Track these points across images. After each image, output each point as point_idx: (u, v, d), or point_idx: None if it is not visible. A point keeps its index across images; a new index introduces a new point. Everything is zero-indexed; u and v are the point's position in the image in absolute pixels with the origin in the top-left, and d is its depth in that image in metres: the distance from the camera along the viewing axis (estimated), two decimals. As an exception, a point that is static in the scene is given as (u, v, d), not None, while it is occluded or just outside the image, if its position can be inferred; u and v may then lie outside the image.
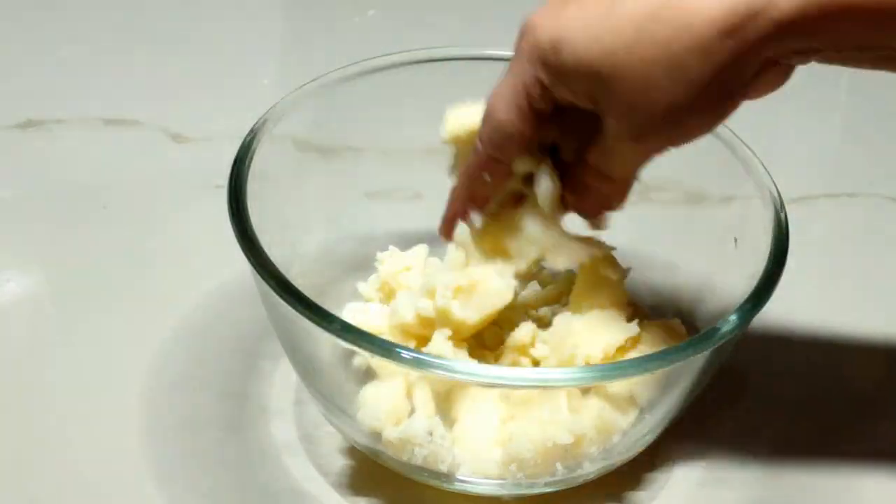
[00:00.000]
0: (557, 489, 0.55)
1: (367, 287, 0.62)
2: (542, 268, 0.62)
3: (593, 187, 0.54)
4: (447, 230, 0.57)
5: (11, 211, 0.72)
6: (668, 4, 0.46)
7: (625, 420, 0.54)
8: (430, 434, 0.53)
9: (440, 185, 0.57)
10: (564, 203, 0.55)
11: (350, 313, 0.60)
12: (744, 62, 0.46)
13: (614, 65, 0.47)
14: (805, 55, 0.47)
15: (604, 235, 0.57)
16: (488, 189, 0.55)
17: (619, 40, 0.47)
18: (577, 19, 0.48)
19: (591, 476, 0.55)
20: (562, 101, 0.51)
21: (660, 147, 0.51)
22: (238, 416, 0.60)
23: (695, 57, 0.46)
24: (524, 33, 0.50)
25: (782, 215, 0.56)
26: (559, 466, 0.53)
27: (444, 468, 0.53)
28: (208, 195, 0.70)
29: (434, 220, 0.62)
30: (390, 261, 0.61)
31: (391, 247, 0.62)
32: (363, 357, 0.55)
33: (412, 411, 0.54)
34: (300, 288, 0.51)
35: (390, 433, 0.53)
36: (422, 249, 0.62)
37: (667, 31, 0.46)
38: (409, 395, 0.54)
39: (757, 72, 0.47)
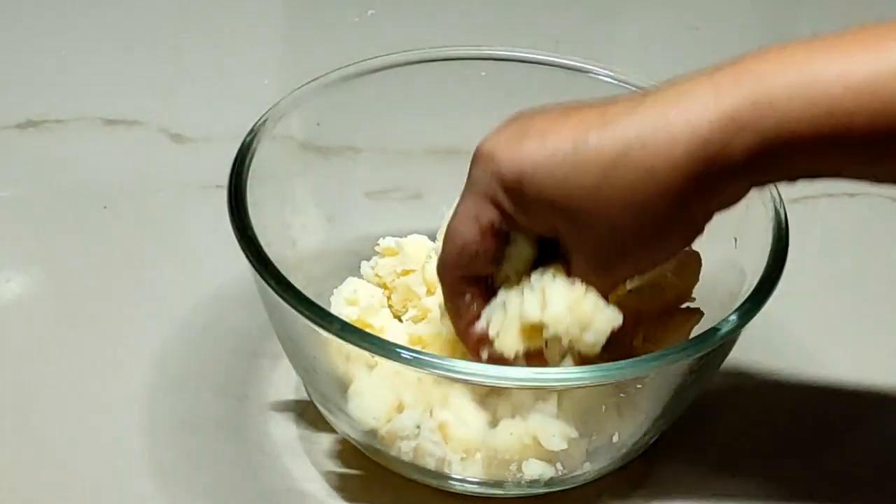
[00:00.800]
0: (557, 489, 0.55)
1: (368, 269, 0.62)
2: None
3: None
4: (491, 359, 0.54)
5: (11, 211, 0.72)
6: (632, 149, 0.47)
7: (622, 420, 0.54)
8: (418, 427, 0.53)
9: (440, 185, 0.57)
10: None
11: (348, 284, 0.59)
12: (707, 199, 0.48)
13: (580, 206, 0.48)
14: (762, 185, 0.49)
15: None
16: (479, 307, 0.54)
17: (585, 181, 0.47)
18: (540, 156, 0.48)
19: (591, 476, 0.55)
20: (523, 228, 0.51)
21: (627, 276, 0.52)
22: (237, 416, 0.60)
23: (660, 199, 0.47)
24: (481, 161, 0.50)
25: (782, 215, 0.56)
26: (559, 466, 0.53)
27: (432, 464, 0.53)
28: (208, 195, 0.71)
29: (434, 220, 0.62)
30: (388, 261, 0.61)
31: (390, 238, 0.62)
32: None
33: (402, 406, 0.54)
34: (300, 287, 0.51)
35: (379, 426, 0.53)
36: (421, 241, 0.62)
37: (631, 175, 0.47)
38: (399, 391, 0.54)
39: (720, 204, 0.49)
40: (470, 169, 0.51)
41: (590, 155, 0.47)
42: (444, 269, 0.53)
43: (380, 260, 0.61)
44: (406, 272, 0.60)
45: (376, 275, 0.61)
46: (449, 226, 0.53)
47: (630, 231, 0.48)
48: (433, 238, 0.61)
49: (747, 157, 0.46)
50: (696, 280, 0.57)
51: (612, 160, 0.47)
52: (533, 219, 0.50)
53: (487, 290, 0.53)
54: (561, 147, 0.48)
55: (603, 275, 0.51)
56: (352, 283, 0.59)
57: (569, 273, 0.51)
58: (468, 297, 0.53)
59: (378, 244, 0.61)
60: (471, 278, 0.53)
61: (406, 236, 0.62)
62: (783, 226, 0.55)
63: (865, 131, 0.45)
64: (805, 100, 0.45)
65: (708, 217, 0.49)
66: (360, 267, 0.62)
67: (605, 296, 0.51)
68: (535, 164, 0.48)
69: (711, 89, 0.46)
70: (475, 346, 0.53)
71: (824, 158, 0.46)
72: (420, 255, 0.60)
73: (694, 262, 0.57)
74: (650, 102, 0.47)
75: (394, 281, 0.61)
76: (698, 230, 0.50)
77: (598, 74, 0.64)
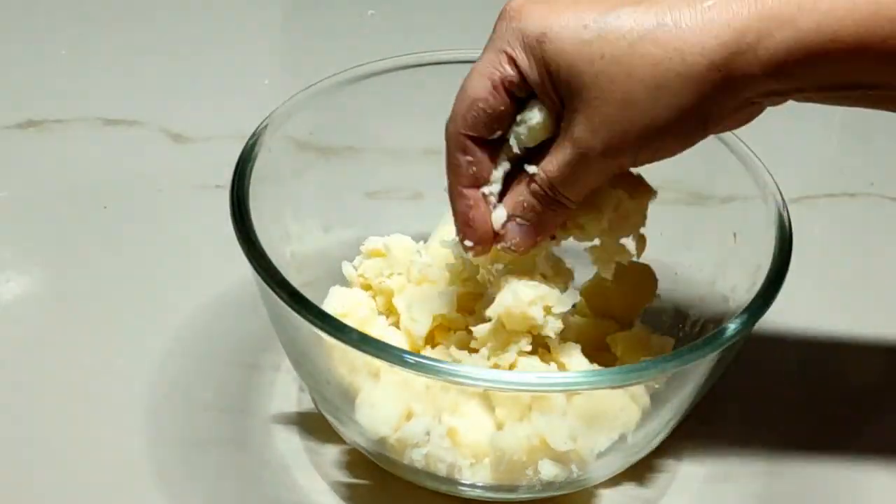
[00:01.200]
0: (567, 492, 0.55)
1: (351, 270, 0.62)
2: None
3: (534, 209, 0.52)
4: (467, 238, 0.53)
5: (11, 211, 0.72)
6: (664, 27, 0.46)
7: (631, 422, 0.54)
8: (428, 434, 0.53)
9: (440, 185, 0.57)
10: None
11: (335, 297, 0.59)
12: (726, 96, 0.47)
13: (598, 73, 0.47)
14: (785, 95, 0.48)
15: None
16: (477, 173, 0.52)
17: (609, 50, 0.47)
18: (568, 17, 0.48)
19: (602, 478, 0.56)
20: (537, 90, 0.50)
21: (620, 165, 0.50)
22: (240, 428, 0.60)
23: (681, 83, 0.46)
24: (506, 16, 0.50)
25: (785, 216, 0.56)
26: (574, 469, 0.53)
27: (443, 470, 0.53)
28: (208, 195, 0.71)
29: (434, 220, 0.62)
30: (374, 262, 0.61)
31: (375, 238, 0.62)
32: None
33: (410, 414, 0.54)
34: (300, 288, 0.51)
35: (390, 434, 0.53)
36: (406, 242, 0.61)
37: (658, 52, 0.46)
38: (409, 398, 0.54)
39: (735, 108, 0.48)
40: (494, 25, 0.51)
41: (621, 25, 0.47)
42: (451, 124, 0.52)
43: (365, 261, 0.61)
44: (391, 275, 0.60)
45: (360, 275, 0.61)
46: (465, 81, 0.52)
47: (643, 109, 0.47)
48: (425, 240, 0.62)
49: (780, 57, 0.46)
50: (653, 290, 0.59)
51: (642, 34, 0.47)
52: (547, 82, 0.49)
53: (492, 159, 0.52)
54: (591, 13, 0.48)
55: (602, 156, 0.49)
56: (338, 295, 0.59)
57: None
58: (469, 158, 0.52)
59: (363, 245, 0.61)
60: (477, 140, 0.52)
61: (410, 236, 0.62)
62: (787, 227, 0.55)
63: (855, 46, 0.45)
64: (850, 1, 0.45)
65: (717, 123, 0.49)
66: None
67: (591, 186, 0.51)
68: (562, 25, 0.48)
69: None
70: (463, 214, 0.53)
71: (858, 66, 0.46)
72: (406, 256, 0.60)
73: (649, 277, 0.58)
74: None
75: (380, 283, 0.60)
76: (705, 131, 0.49)
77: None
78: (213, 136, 0.78)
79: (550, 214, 0.52)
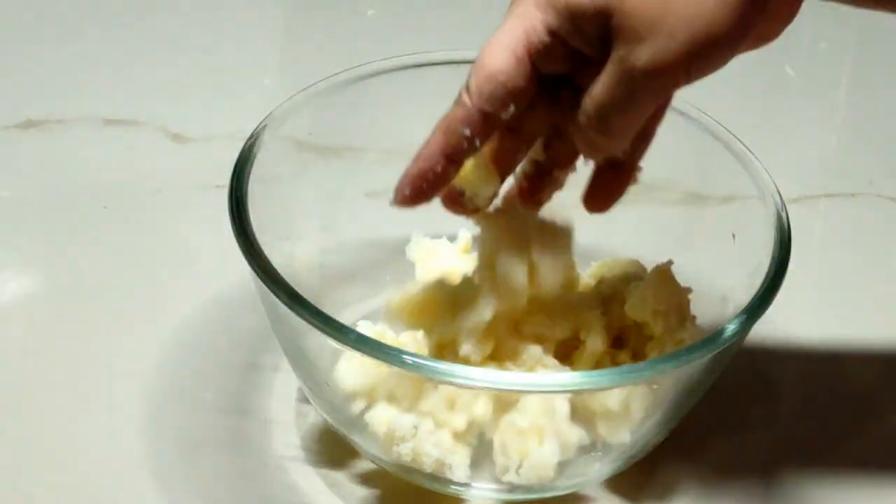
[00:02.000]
0: (567, 492, 0.56)
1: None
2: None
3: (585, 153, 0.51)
4: (408, 188, 0.51)
5: (11, 211, 0.72)
6: None
7: (631, 422, 0.54)
8: (416, 428, 0.53)
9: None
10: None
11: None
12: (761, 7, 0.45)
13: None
14: None
15: (604, 236, 0.57)
16: (467, 148, 0.50)
17: None
18: None
19: (600, 479, 0.56)
20: (572, 46, 0.48)
21: (673, 82, 0.47)
22: (239, 429, 0.60)
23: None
24: None
25: (784, 217, 0.56)
26: (573, 469, 0.53)
27: (429, 466, 0.53)
28: (208, 195, 0.71)
29: (435, 220, 0.62)
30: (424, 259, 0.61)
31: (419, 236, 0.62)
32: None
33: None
34: (300, 289, 0.51)
35: (377, 427, 0.53)
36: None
37: None
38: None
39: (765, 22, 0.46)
40: None
41: None
42: (466, 94, 0.49)
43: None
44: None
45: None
46: (482, 50, 0.49)
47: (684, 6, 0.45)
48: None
49: None
50: None
51: None
52: (582, 28, 0.47)
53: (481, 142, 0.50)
54: None
55: (650, 71, 0.46)
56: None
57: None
58: (467, 132, 0.50)
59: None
60: (484, 122, 0.49)
61: (406, 237, 0.62)
62: (785, 228, 0.55)
63: None
64: None
65: (761, 13, 0.46)
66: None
67: (640, 117, 0.48)
68: None
69: None
70: (423, 171, 0.51)
71: None
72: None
73: None
74: None
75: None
76: (747, 30, 0.46)
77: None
78: (213, 136, 0.78)
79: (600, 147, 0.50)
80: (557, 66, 0.49)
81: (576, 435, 0.53)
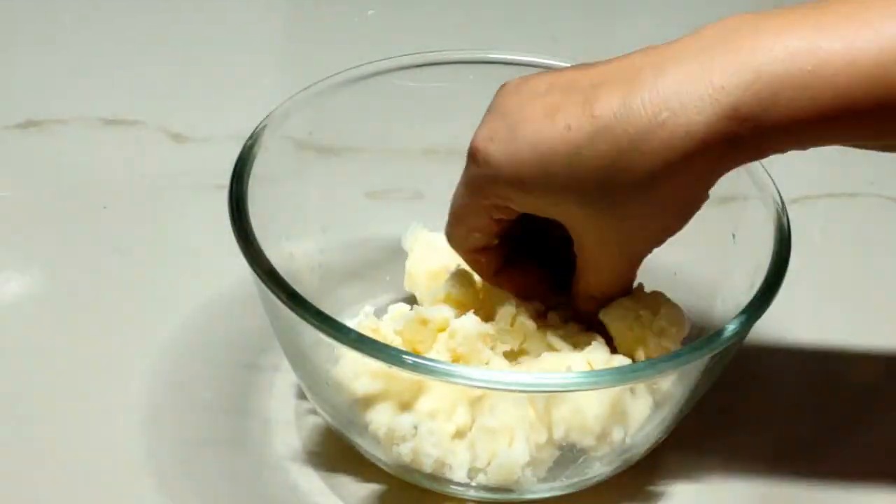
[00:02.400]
0: (567, 492, 0.55)
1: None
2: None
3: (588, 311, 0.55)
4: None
5: (11, 211, 0.72)
6: (671, 110, 0.46)
7: (632, 422, 0.54)
8: (416, 428, 0.53)
9: (440, 185, 0.57)
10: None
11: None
12: (731, 161, 0.48)
13: (598, 181, 0.47)
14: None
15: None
16: (495, 262, 0.56)
17: (605, 150, 0.47)
18: (543, 145, 0.48)
19: (600, 478, 0.56)
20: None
21: (635, 252, 0.52)
22: (239, 429, 0.60)
23: (701, 159, 0.47)
24: (476, 162, 0.50)
25: (784, 218, 0.56)
26: (573, 469, 0.53)
27: (429, 466, 0.53)
28: (208, 195, 0.71)
29: (434, 221, 0.62)
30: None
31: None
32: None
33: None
34: (300, 289, 0.51)
35: (378, 427, 0.53)
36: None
37: (667, 135, 0.46)
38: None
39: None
40: (467, 163, 0.51)
41: (616, 125, 0.46)
42: (452, 243, 0.55)
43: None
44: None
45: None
46: (452, 209, 0.53)
47: (659, 201, 0.48)
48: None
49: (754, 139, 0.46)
50: None
51: (647, 124, 0.46)
52: (539, 208, 0.50)
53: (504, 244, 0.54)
54: (566, 126, 0.47)
55: (618, 257, 0.51)
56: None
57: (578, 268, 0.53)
58: (484, 260, 0.55)
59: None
60: (481, 249, 0.54)
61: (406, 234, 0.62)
62: (785, 229, 0.55)
63: (871, 111, 0.45)
64: (811, 90, 0.44)
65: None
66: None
67: (624, 278, 0.52)
68: (538, 155, 0.48)
69: (707, 79, 0.45)
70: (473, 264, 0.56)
71: (828, 137, 0.47)
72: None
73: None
74: (652, 73, 0.46)
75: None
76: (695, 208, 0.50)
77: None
78: (213, 136, 0.78)
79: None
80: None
81: (577, 434, 0.52)
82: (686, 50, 0.46)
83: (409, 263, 0.62)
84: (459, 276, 0.57)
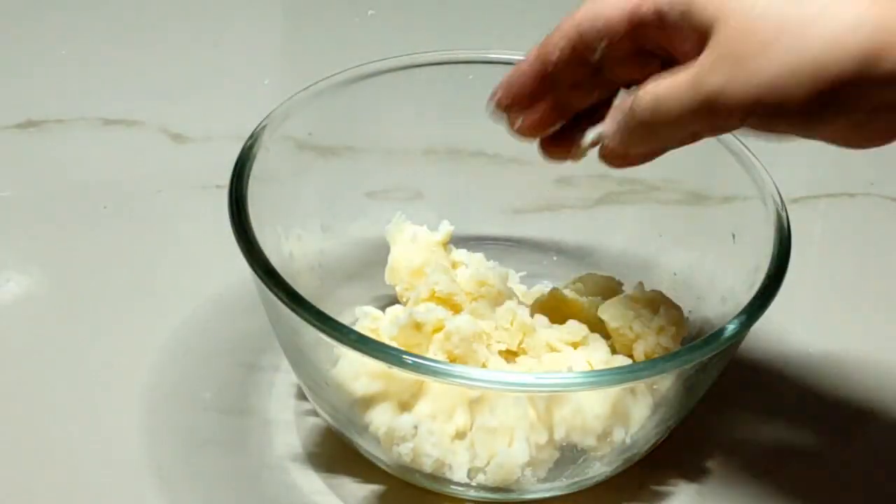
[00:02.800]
0: (567, 492, 0.56)
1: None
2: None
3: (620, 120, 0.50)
4: (501, 90, 0.52)
5: (11, 211, 0.72)
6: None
7: (632, 422, 0.54)
8: (416, 428, 0.53)
9: (440, 185, 0.57)
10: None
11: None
12: (862, 88, 0.44)
13: (746, 13, 0.44)
14: None
15: (604, 236, 0.56)
16: (553, 60, 0.51)
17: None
18: None
19: (600, 478, 0.56)
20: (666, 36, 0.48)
21: (724, 120, 0.46)
22: (239, 429, 0.60)
23: (825, 49, 0.43)
24: None
25: (784, 217, 0.56)
26: (572, 469, 0.54)
27: (429, 466, 0.53)
28: (208, 195, 0.71)
29: (434, 220, 0.62)
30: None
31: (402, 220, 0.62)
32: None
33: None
34: (300, 289, 0.51)
35: (378, 427, 0.53)
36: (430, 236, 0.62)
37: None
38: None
39: (872, 110, 0.45)
40: None
41: None
42: (567, 21, 0.50)
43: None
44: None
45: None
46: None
47: (775, 61, 0.44)
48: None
49: None
50: None
51: None
52: (686, 21, 0.46)
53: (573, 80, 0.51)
54: None
55: (716, 92, 0.45)
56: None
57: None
58: (561, 48, 0.51)
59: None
60: (576, 53, 0.50)
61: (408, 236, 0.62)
62: (785, 229, 0.55)
63: None
64: None
65: (836, 117, 0.46)
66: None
67: (698, 122, 0.47)
68: None
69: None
70: (512, 72, 0.52)
71: None
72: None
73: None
74: None
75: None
76: (820, 121, 0.47)
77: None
78: (213, 136, 0.78)
79: (639, 140, 0.49)
80: (648, 44, 0.49)
81: (577, 434, 0.53)
82: None
83: (391, 257, 0.61)
84: (442, 272, 0.57)
